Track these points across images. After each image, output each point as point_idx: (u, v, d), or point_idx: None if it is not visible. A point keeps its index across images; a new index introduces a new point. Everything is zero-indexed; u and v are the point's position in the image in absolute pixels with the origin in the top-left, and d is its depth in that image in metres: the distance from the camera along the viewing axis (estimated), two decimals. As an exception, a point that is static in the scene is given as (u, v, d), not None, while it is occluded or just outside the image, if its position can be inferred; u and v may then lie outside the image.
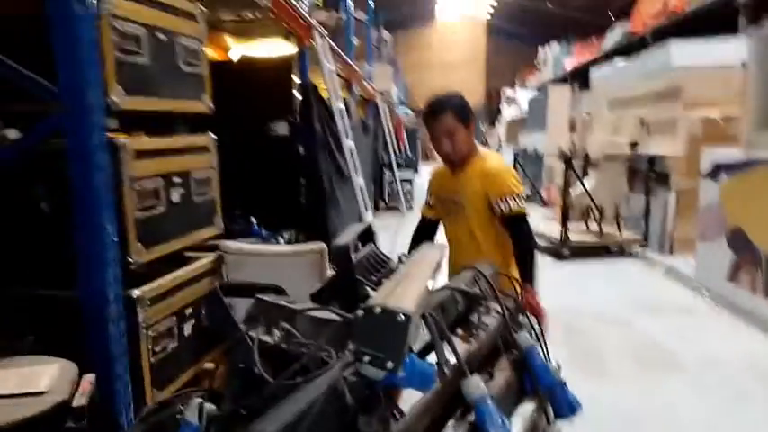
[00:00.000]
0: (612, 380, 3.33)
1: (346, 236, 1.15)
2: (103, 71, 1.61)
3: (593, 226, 6.75)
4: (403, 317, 0.78)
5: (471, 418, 0.94)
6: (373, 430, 0.78)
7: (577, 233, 6.68)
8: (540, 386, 1.18)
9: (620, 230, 6.70)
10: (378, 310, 0.79)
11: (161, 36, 1.94)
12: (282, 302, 0.96)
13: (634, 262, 6.32)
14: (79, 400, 1.44)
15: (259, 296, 0.95)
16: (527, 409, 1.15)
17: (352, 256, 1.16)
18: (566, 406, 1.20)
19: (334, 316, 0.93)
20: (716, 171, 4.95)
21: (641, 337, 4.00)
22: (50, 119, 1.57)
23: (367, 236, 1.29)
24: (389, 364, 0.77)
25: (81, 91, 1.52)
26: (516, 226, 2.03)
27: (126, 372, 1.68)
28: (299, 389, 0.78)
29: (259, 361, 0.84)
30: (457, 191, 2.14)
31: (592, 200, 6.33)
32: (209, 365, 2.24)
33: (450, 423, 0.96)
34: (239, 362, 0.89)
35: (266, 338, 0.90)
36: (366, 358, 0.77)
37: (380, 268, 1.27)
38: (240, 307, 0.95)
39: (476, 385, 0.95)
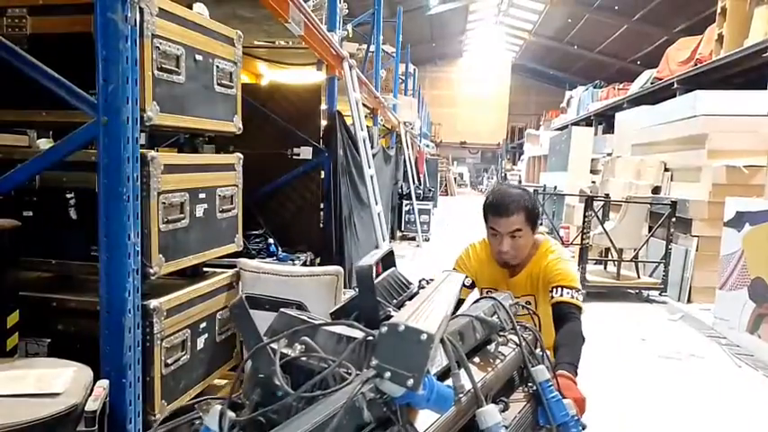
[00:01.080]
0: (625, 424, 3.25)
1: (370, 258, 1.16)
2: (142, 87, 1.68)
3: (612, 268, 6.67)
4: (425, 336, 0.79)
5: None
6: None
7: (595, 274, 6.61)
8: (553, 421, 1.18)
9: (638, 274, 6.61)
10: (401, 327, 0.80)
11: (199, 57, 2.01)
12: (305, 317, 0.98)
13: (651, 307, 6.21)
14: (91, 405, 1.46)
15: (282, 310, 0.96)
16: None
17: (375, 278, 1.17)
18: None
19: (356, 332, 0.94)
20: (739, 219, 4.89)
21: (655, 383, 3.91)
22: (87, 129, 1.63)
23: (389, 260, 1.30)
24: (410, 382, 0.77)
25: (119, 105, 1.59)
26: (566, 313, 1.78)
27: (138, 381, 1.70)
28: (318, 402, 0.80)
29: (280, 373, 0.86)
30: (513, 291, 1.73)
31: (611, 241, 6.28)
32: (219, 381, 2.25)
33: None
34: (260, 372, 0.91)
35: (287, 351, 0.92)
36: (387, 374, 0.78)
37: (402, 291, 1.28)
38: (258, 319, 0.97)
39: (491, 414, 0.95)
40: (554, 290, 1.83)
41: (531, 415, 1.19)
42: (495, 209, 1.91)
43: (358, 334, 0.93)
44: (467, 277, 1.98)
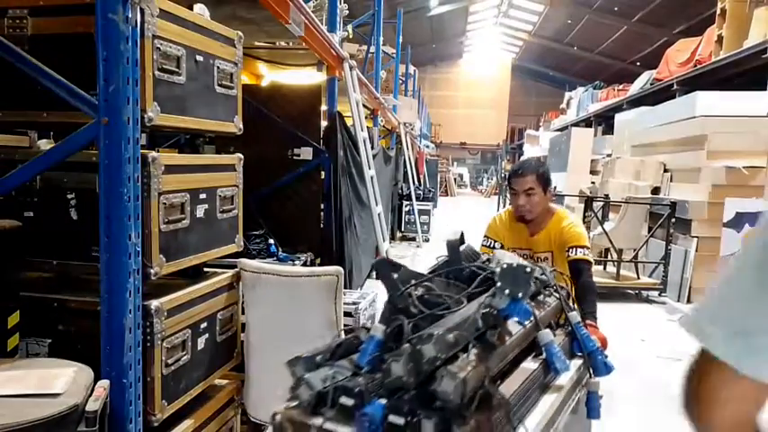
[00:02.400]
0: (623, 424, 3.25)
1: (453, 235, 1.64)
2: (142, 88, 1.68)
3: (611, 268, 6.67)
4: (529, 269, 1.23)
5: (543, 356, 1.43)
6: (492, 341, 1.20)
7: (594, 274, 6.60)
8: (585, 349, 1.62)
9: (637, 274, 6.61)
10: (515, 264, 1.24)
11: (199, 58, 2.02)
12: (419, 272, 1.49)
13: (650, 307, 6.22)
14: (92, 406, 1.46)
15: (406, 267, 1.42)
16: (575, 364, 1.58)
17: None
18: (602, 367, 1.62)
19: (481, 270, 1.48)
20: (738, 220, 4.90)
21: (654, 383, 3.91)
22: (87, 130, 1.63)
23: (462, 239, 1.74)
24: (520, 294, 1.20)
25: (120, 105, 1.59)
26: (582, 268, 2.32)
27: (138, 381, 1.71)
28: (446, 317, 1.23)
29: (416, 301, 1.32)
30: (533, 248, 2.51)
31: (611, 242, 6.28)
32: (219, 381, 2.25)
33: (529, 358, 1.44)
34: (398, 305, 1.34)
35: (416, 292, 1.35)
36: (506, 291, 1.20)
37: (474, 258, 1.66)
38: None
39: (547, 334, 1.44)
40: (570, 250, 2.34)
41: (569, 345, 1.64)
42: (514, 172, 2.46)
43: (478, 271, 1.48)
44: (497, 241, 2.55)
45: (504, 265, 1.24)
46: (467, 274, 1.50)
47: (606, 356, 1.67)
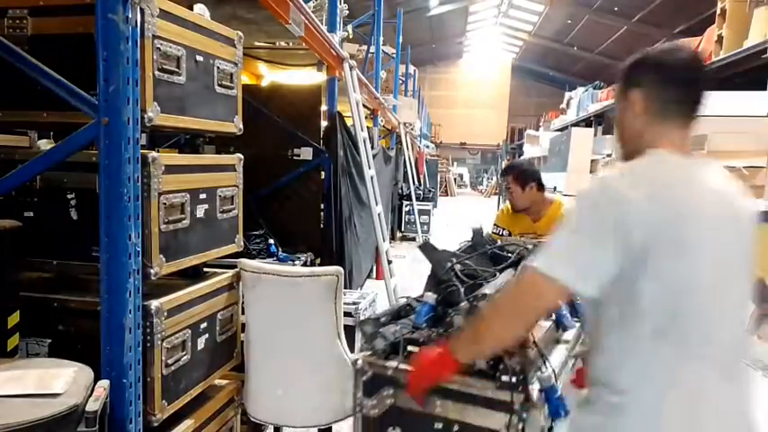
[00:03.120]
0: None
1: (476, 224, 2.10)
2: (142, 88, 1.68)
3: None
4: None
5: (553, 317, 1.79)
6: None
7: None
8: (580, 313, 1.84)
9: (638, 275, 6.61)
10: (536, 243, 1.90)
11: (199, 58, 2.02)
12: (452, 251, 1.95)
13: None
14: (92, 406, 1.46)
15: (446, 249, 1.82)
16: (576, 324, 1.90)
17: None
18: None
19: (504, 253, 1.96)
20: (739, 221, 4.89)
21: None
22: (87, 130, 1.63)
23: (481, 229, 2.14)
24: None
25: (120, 105, 1.59)
26: None
27: (138, 381, 1.70)
28: (485, 285, 1.64)
29: (458, 274, 1.71)
30: (538, 231, 2.87)
31: (611, 243, 6.27)
32: (219, 381, 2.25)
33: (542, 318, 1.72)
34: (442, 278, 1.67)
35: (457, 267, 1.74)
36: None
37: (492, 243, 2.09)
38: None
39: None
40: None
41: (571, 309, 1.89)
42: (502, 171, 3.20)
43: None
44: (505, 229, 3.03)
45: (530, 246, 1.88)
46: (490, 254, 1.95)
47: None
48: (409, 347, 1.55)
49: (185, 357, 1.99)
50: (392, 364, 1.56)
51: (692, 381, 1.08)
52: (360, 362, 1.61)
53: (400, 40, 10.59)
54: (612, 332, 1.15)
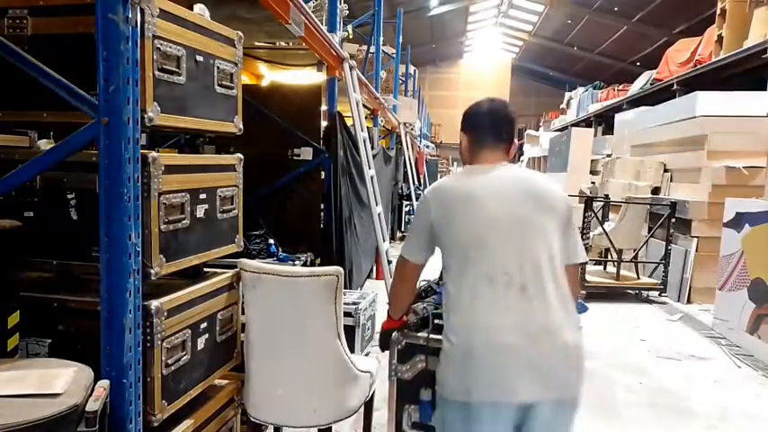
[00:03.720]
0: (624, 423, 3.25)
1: None
2: (142, 88, 1.68)
3: (611, 268, 6.67)
4: None
5: None
6: None
7: (594, 275, 6.61)
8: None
9: (637, 275, 6.61)
10: None
11: (199, 58, 2.02)
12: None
13: (650, 307, 6.22)
14: (92, 406, 1.46)
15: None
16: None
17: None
18: (580, 307, 1.93)
19: None
20: (738, 220, 4.90)
21: (654, 383, 3.91)
22: (87, 130, 1.63)
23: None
24: None
25: (120, 105, 1.59)
26: None
27: (138, 381, 1.70)
28: None
29: None
30: None
31: (611, 242, 6.28)
32: (219, 381, 2.25)
33: None
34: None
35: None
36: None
37: None
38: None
39: None
40: None
41: None
42: None
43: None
44: None
45: None
46: None
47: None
48: (437, 321, 1.98)
49: (185, 357, 1.99)
50: (423, 334, 2.02)
51: (470, 282, 1.70)
52: (395, 334, 2.08)
53: (400, 40, 10.58)
54: (445, 264, 1.83)
